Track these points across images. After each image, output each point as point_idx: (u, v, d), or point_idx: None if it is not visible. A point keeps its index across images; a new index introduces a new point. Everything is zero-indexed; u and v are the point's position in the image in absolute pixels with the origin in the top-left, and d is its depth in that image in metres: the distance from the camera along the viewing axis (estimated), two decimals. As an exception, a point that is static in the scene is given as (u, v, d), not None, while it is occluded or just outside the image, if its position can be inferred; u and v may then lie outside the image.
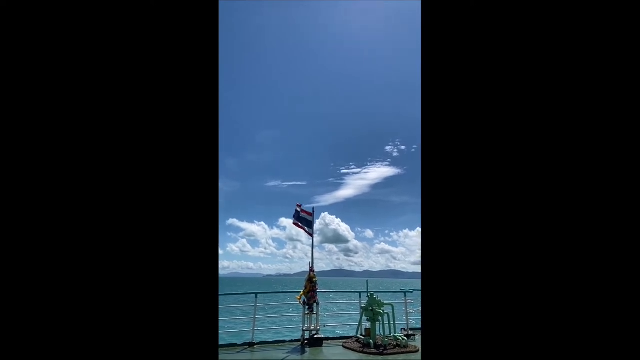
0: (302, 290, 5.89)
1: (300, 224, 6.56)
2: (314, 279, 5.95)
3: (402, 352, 4.97)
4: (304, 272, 6.81)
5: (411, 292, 7.12)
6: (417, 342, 5.65)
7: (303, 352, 5.16)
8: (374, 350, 5.00)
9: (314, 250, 6.43)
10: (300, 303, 5.83)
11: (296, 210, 6.60)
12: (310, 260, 6.27)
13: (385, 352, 4.93)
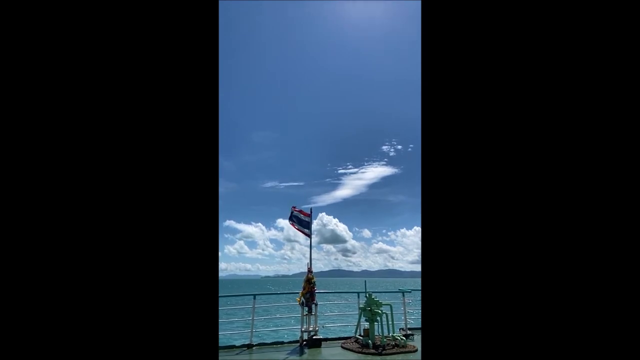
0: (300, 292, 5.89)
1: (295, 224, 6.54)
2: (312, 280, 5.94)
3: (401, 352, 4.98)
4: (302, 272, 6.79)
5: (409, 291, 7.12)
6: (415, 341, 5.65)
7: (302, 353, 5.14)
8: (372, 351, 5.00)
9: (312, 250, 6.44)
10: (300, 305, 5.82)
11: (291, 212, 6.59)
12: (309, 261, 6.27)
13: (383, 352, 4.92)
